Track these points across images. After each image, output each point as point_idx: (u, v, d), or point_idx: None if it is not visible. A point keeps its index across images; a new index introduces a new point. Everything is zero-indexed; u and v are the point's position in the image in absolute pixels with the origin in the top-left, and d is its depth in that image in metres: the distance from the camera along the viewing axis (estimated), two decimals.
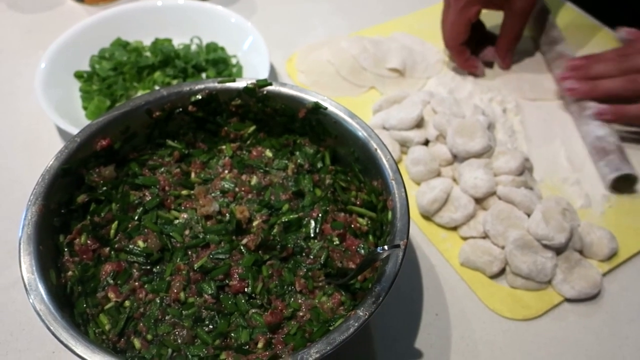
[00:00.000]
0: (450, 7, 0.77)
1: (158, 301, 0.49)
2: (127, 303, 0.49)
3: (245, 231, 0.53)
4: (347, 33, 0.88)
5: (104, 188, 0.54)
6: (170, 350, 0.46)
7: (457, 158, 0.66)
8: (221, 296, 0.49)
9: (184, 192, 0.57)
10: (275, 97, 0.57)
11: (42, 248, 0.46)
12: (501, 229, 0.59)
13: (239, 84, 0.57)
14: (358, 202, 0.56)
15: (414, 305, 0.57)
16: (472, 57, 0.79)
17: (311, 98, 0.56)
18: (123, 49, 0.79)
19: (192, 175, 0.58)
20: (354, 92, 0.79)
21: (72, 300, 0.47)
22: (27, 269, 0.44)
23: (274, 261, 0.51)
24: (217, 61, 0.78)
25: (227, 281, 0.50)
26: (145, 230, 0.53)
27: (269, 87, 0.57)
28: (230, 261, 0.51)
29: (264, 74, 0.72)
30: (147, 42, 0.81)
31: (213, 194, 0.56)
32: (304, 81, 0.80)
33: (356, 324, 0.41)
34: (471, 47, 0.79)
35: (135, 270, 0.51)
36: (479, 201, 0.63)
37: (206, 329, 0.47)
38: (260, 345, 0.46)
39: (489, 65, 0.82)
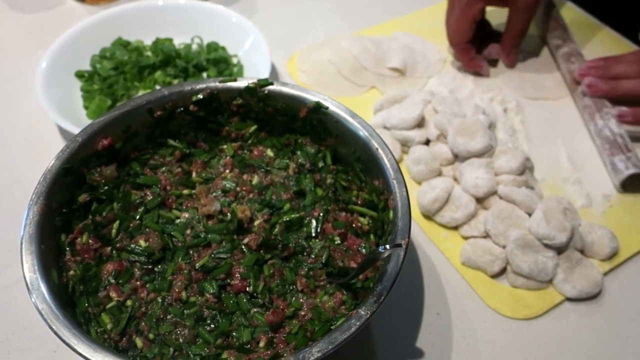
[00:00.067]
0: (454, 6, 0.77)
1: (160, 300, 0.49)
2: (128, 302, 0.49)
3: (246, 230, 0.53)
4: (348, 33, 0.88)
5: (106, 187, 0.54)
6: (172, 350, 0.46)
7: (458, 157, 0.66)
8: (223, 295, 0.49)
9: (185, 191, 0.57)
10: (276, 96, 0.57)
11: (43, 247, 0.46)
12: (502, 229, 0.59)
13: (240, 83, 0.57)
14: (359, 202, 0.56)
15: (415, 304, 0.58)
16: (477, 56, 0.79)
17: (312, 97, 0.56)
18: (124, 49, 0.79)
19: (194, 174, 0.58)
20: (355, 92, 0.79)
21: (73, 300, 0.47)
22: (29, 268, 0.44)
23: (276, 260, 0.51)
24: (218, 61, 0.78)
25: (228, 280, 0.50)
26: (147, 229, 0.53)
27: (270, 87, 0.57)
28: (232, 260, 0.51)
29: (265, 74, 0.72)
30: (148, 41, 0.81)
31: (214, 194, 0.56)
32: (305, 81, 0.80)
33: (358, 323, 0.41)
34: (476, 46, 0.79)
35: (136, 270, 0.51)
36: (480, 201, 0.63)
37: (208, 328, 0.47)
38: (261, 344, 0.46)
39: (492, 63, 0.82)
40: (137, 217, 0.54)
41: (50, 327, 0.41)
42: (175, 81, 0.76)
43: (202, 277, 0.50)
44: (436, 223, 0.63)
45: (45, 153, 0.64)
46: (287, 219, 0.54)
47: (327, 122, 0.56)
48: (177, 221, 0.54)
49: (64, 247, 0.49)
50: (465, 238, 0.62)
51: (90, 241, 0.51)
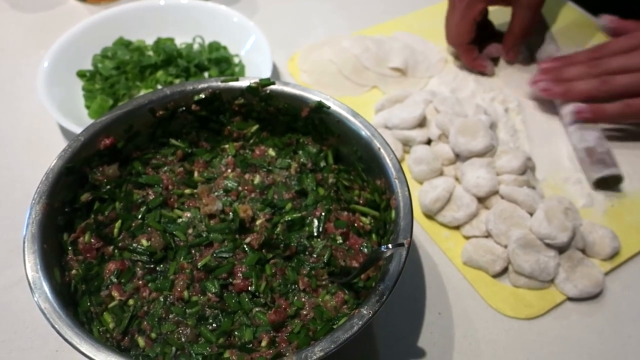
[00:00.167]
0: (454, 7, 0.77)
1: (162, 300, 0.49)
2: (130, 301, 0.49)
3: (248, 230, 0.53)
4: (349, 32, 0.88)
5: (108, 187, 0.54)
6: (174, 349, 0.46)
7: (459, 157, 0.66)
8: (225, 295, 0.49)
9: (187, 191, 0.57)
10: (278, 96, 0.57)
11: (46, 247, 0.46)
12: (504, 228, 0.59)
13: (242, 83, 0.57)
14: (361, 201, 0.56)
15: (417, 304, 0.58)
16: (480, 56, 0.79)
17: (314, 97, 0.56)
18: (125, 48, 0.79)
19: (195, 174, 0.58)
20: (356, 92, 0.79)
21: (76, 299, 0.47)
22: (31, 267, 0.44)
23: (278, 260, 0.51)
24: (220, 60, 0.78)
25: (230, 280, 0.50)
26: (149, 229, 0.53)
27: (272, 86, 0.57)
28: (234, 260, 0.51)
29: (266, 73, 0.72)
30: (150, 41, 0.81)
31: (216, 193, 0.56)
32: (306, 80, 0.80)
33: (360, 323, 0.41)
34: (478, 46, 0.79)
35: (138, 269, 0.51)
36: (482, 200, 0.63)
37: (210, 328, 0.47)
38: (264, 343, 0.46)
39: (493, 62, 0.82)
40: (139, 216, 0.54)
41: (53, 326, 0.41)
42: (177, 81, 0.76)
43: (204, 277, 0.50)
44: (438, 223, 0.63)
45: (47, 153, 0.64)
46: (289, 218, 0.54)
47: (329, 122, 0.56)
48: (179, 220, 0.54)
49: (66, 247, 0.49)
50: (467, 238, 0.62)
51: (92, 240, 0.51)
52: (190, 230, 0.53)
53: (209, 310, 0.48)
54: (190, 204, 0.56)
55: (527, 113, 0.76)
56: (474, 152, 0.64)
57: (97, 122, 0.53)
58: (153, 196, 0.55)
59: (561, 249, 0.58)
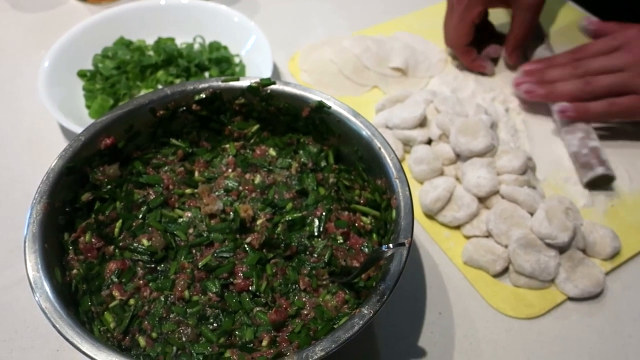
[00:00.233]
0: (453, 10, 0.77)
1: (162, 299, 0.49)
2: (131, 301, 0.49)
3: (249, 230, 0.53)
4: (349, 32, 0.88)
5: (108, 186, 0.54)
6: (175, 348, 0.46)
7: (460, 157, 0.66)
8: (225, 294, 0.49)
9: (188, 190, 0.57)
10: (279, 96, 0.57)
11: (47, 246, 0.46)
12: (504, 228, 0.59)
13: (243, 82, 0.57)
14: (362, 201, 0.56)
15: (417, 303, 0.58)
16: (479, 57, 0.79)
17: (315, 97, 0.56)
18: (126, 48, 0.79)
19: (196, 174, 0.58)
20: (357, 91, 0.79)
21: (77, 299, 0.47)
22: (32, 267, 0.44)
23: (278, 260, 0.51)
24: (220, 60, 0.78)
25: (231, 279, 0.50)
26: (150, 228, 0.53)
27: (273, 86, 0.57)
28: (235, 259, 0.51)
29: (266, 73, 0.72)
30: (150, 41, 0.81)
31: (217, 193, 0.56)
32: (306, 80, 0.80)
33: (361, 322, 0.41)
34: (477, 47, 0.79)
35: (139, 269, 0.51)
36: (482, 200, 0.63)
37: (211, 327, 0.47)
38: (264, 343, 0.46)
39: (493, 62, 0.82)
40: (140, 216, 0.54)
41: (54, 326, 0.41)
42: (177, 81, 0.76)
43: (205, 276, 0.50)
44: (438, 222, 0.63)
45: (47, 152, 0.64)
46: (290, 218, 0.54)
47: (329, 122, 0.56)
48: (180, 220, 0.54)
49: (67, 246, 0.49)
50: (468, 237, 0.62)
51: (93, 240, 0.51)
52: (190, 230, 0.54)
53: (210, 309, 0.48)
54: (191, 204, 0.56)
55: (527, 113, 0.76)
56: (474, 152, 0.64)
57: (98, 122, 0.53)
58: (154, 196, 0.55)
59: (562, 249, 0.58)
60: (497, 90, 0.78)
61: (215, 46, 0.81)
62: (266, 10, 0.93)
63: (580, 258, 0.58)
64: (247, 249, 0.51)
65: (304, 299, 0.49)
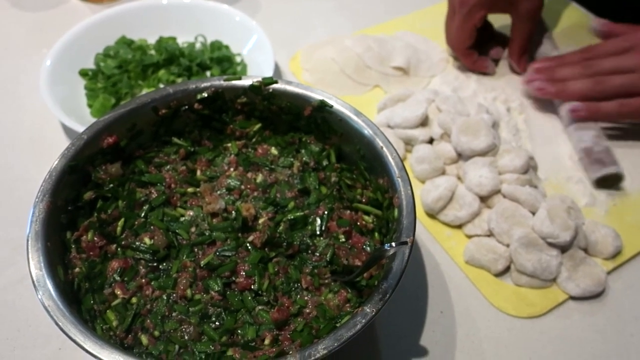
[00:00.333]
0: (455, 12, 0.77)
1: (165, 298, 0.49)
2: (134, 300, 0.49)
3: (251, 228, 0.53)
4: (351, 31, 0.88)
5: (111, 185, 0.54)
6: (177, 347, 0.46)
7: (461, 156, 0.66)
8: (228, 293, 0.49)
9: (190, 189, 0.57)
10: (280, 95, 0.57)
11: (49, 245, 0.46)
12: (506, 227, 0.59)
13: (245, 81, 0.57)
14: (364, 200, 0.56)
15: (419, 302, 0.58)
16: (480, 57, 0.79)
17: (317, 96, 0.56)
18: (128, 47, 0.79)
19: (198, 172, 0.59)
20: (359, 91, 0.79)
21: (79, 297, 0.47)
22: (35, 265, 0.44)
23: (280, 258, 0.52)
24: (222, 59, 0.78)
25: (233, 278, 0.50)
26: (152, 227, 0.53)
27: (275, 85, 0.57)
28: (237, 258, 0.51)
29: (268, 73, 0.72)
30: (152, 40, 0.81)
31: (219, 192, 0.56)
32: (308, 79, 0.80)
33: (363, 321, 0.41)
34: (478, 47, 0.79)
35: (141, 267, 0.51)
36: (484, 199, 0.63)
37: (213, 326, 0.48)
38: (267, 341, 0.46)
39: (494, 62, 0.82)
40: (142, 214, 0.54)
41: (57, 324, 0.41)
42: (179, 80, 0.76)
43: (207, 275, 0.50)
44: (440, 222, 0.63)
45: (49, 151, 0.64)
46: (292, 217, 0.54)
47: (331, 121, 0.56)
48: (182, 219, 0.54)
49: (69, 245, 0.49)
50: (469, 237, 0.62)
51: (95, 239, 0.51)
52: (193, 229, 0.54)
53: (212, 308, 0.48)
54: (193, 203, 0.56)
55: (529, 112, 0.76)
56: (476, 151, 0.64)
57: (100, 121, 0.54)
58: (156, 195, 0.55)
59: (563, 248, 0.58)
60: (498, 90, 0.78)
61: (216, 45, 0.81)
62: (268, 10, 0.93)
63: (582, 257, 0.58)
64: (249, 247, 0.51)
65: (306, 298, 0.49)
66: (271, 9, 0.93)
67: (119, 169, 0.55)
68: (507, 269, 0.59)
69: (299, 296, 0.49)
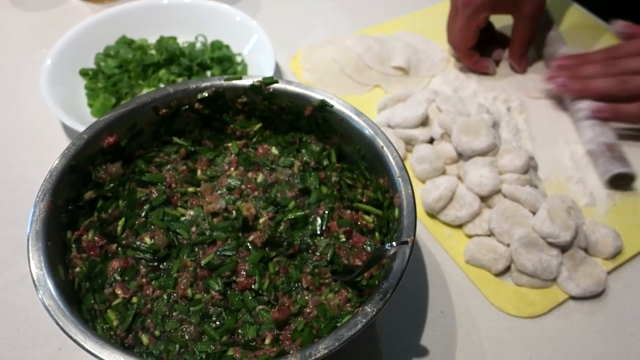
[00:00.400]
0: (458, 13, 0.77)
1: (165, 297, 0.49)
2: (134, 299, 0.49)
3: (251, 228, 0.53)
4: (351, 31, 0.88)
5: (111, 185, 0.54)
6: (177, 346, 0.46)
7: (462, 156, 0.66)
8: (228, 293, 0.49)
9: (190, 189, 0.57)
10: (281, 94, 0.57)
11: (50, 244, 0.46)
12: (506, 227, 0.59)
13: (245, 81, 0.58)
14: (364, 200, 0.56)
15: (420, 302, 0.58)
16: (481, 58, 0.79)
17: (317, 96, 0.56)
18: (128, 47, 0.79)
19: (198, 172, 0.59)
20: (359, 91, 0.79)
21: (79, 296, 0.47)
22: (35, 264, 0.44)
23: (281, 258, 0.52)
24: (222, 59, 0.78)
25: (234, 278, 0.50)
26: (152, 227, 0.53)
27: (275, 85, 0.57)
28: (237, 258, 0.51)
29: (268, 72, 0.72)
30: (152, 40, 0.81)
31: (219, 191, 0.56)
32: (308, 79, 0.80)
33: (364, 320, 0.41)
34: (480, 47, 0.79)
35: (142, 267, 0.51)
36: (484, 199, 0.63)
37: (213, 325, 0.48)
38: (267, 341, 0.46)
39: (495, 62, 0.82)
40: (143, 214, 0.54)
41: (57, 324, 0.41)
42: (179, 79, 0.76)
43: (208, 275, 0.50)
44: (440, 221, 0.63)
45: (50, 151, 0.64)
46: (292, 216, 0.54)
47: (332, 121, 0.56)
48: (182, 219, 0.54)
49: (69, 244, 0.49)
50: (470, 236, 0.62)
51: (96, 238, 0.51)
52: (193, 229, 0.54)
53: (213, 308, 0.48)
54: (194, 202, 0.56)
55: (529, 112, 0.76)
56: (476, 151, 0.64)
57: (101, 120, 0.54)
58: (156, 194, 0.55)
59: (564, 248, 0.58)
60: (498, 90, 0.78)
61: (217, 45, 0.81)
62: (268, 10, 0.93)
63: (582, 257, 0.58)
64: (250, 247, 0.51)
65: (306, 298, 0.49)
66: (272, 9, 0.93)
67: (120, 169, 0.55)
68: (507, 269, 0.59)
69: (299, 296, 0.49)
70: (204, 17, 0.82)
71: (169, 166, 0.58)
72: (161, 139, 0.59)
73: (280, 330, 0.47)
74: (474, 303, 0.58)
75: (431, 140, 0.70)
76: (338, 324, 0.45)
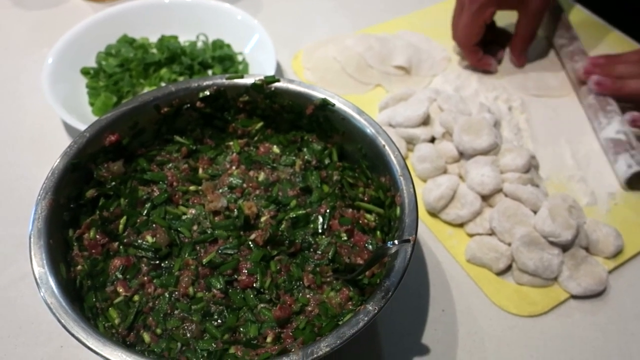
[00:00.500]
0: (463, 9, 0.77)
1: (167, 296, 0.49)
2: (136, 297, 0.49)
3: (253, 227, 0.53)
4: (353, 31, 0.88)
5: (113, 183, 0.54)
6: (179, 344, 0.46)
7: (463, 155, 0.66)
8: (230, 291, 0.49)
9: (192, 187, 0.57)
10: (283, 93, 0.57)
11: (52, 242, 0.46)
12: (507, 226, 0.59)
13: (247, 80, 0.58)
14: (366, 198, 0.56)
15: (421, 301, 0.58)
16: (485, 55, 0.79)
17: (319, 94, 0.56)
18: (129, 46, 0.79)
19: (200, 171, 0.59)
20: (360, 90, 0.79)
21: (81, 295, 0.47)
22: (37, 262, 0.44)
23: (282, 256, 0.52)
24: (223, 58, 0.78)
25: (235, 276, 0.50)
26: (154, 225, 0.53)
27: (277, 84, 0.57)
28: (239, 256, 0.51)
29: (270, 72, 0.72)
30: (153, 38, 0.82)
31: (221, 190, 0.56)
32: (310, 78, 0.80)
33: (366, 318, 0.41)
34: (482, 45, 0.79)
35: (144, 265, 0.51)
36: (486, 198, 0.63)
37: (215, 324, 0.48)
38: (269, 339, 0.46)
39: (497, 61, 0.82)
40: (144, 212, 0.54)
41: (59, 321, 0.41)
42: (181, 78, 0.76)
43: (209, 273, 0.50)
44: (441, 220, 0.63)
45: (51, 149, 0.64)
46: (294, 215, 0.54)
47: (333, 119, 0.56)
48: (184, 217, 0.54)
49: (71, 242, 0.49)
50: (471, 235, 0.62)
51: (97, 236, 0.51)
52: (195, 227, 0.54)
53: (214, 306, 0.48)
54: (195, 201, 0.56)
55: (530, 112, 0.76)
56: (478, 150, 0.64)
57: (102, 119, 0.54)
58: (158, 193, 0.56)
59: (565, 247, 0.58)
60: (500, 89, 0.78)
61: (218, 44, 0.81)
62: (269, 9, 0.93)
63: (583, 256, 0.58)
64: (251, 245, 0.51)
65: (308, 296, 0.49)
66: (273, 8, 0.93)
67: (121, 167, 0.55)
68: (508, 268, 0.59)
69: (301, 294, 0.49)
70: (205, 16, 0.82)
71: (170, 165, 0.58)
72: (163, 138, 0.59)
73: (282, 329, 0.47)
74: (475, 302, 0.58)
75: (432, 140, 0.70)
76: (340, 322, 0.45)
